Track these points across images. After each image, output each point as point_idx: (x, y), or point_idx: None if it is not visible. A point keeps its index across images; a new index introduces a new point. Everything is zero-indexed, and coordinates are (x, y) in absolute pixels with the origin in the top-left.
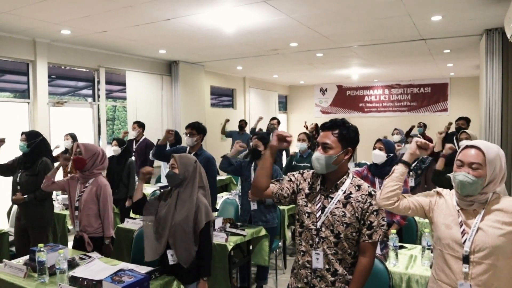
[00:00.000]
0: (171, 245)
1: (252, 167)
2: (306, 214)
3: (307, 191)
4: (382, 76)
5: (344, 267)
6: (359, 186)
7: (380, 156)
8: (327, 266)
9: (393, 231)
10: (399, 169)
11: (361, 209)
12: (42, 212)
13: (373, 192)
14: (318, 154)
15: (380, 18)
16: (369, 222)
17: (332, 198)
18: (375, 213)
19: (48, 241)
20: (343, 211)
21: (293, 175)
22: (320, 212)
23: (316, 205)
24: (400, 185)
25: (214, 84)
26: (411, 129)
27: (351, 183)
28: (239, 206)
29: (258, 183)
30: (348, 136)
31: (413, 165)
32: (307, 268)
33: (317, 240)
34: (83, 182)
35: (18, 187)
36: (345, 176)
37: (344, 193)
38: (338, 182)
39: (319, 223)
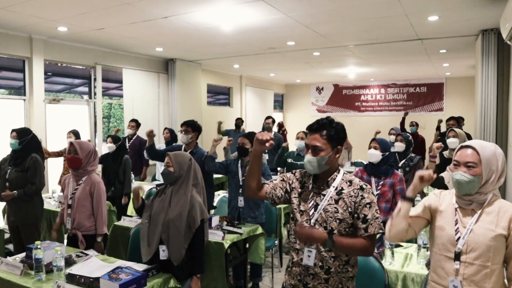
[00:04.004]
0: (164, 240)
1: (239, 164)
2: (300, 213)
3: (299, 190)
4: (379, 76)
5: (338, 264)
6: (350, 182)
7: (375, 155)
8: (320, 264)
9: None
10: (405, 207)
11: (353, 203)
12: (31, 209)
13: (364, 186)
14: (309, 157)
15: (377, 17)
16: (363, 215)
17: (324, 195)
18: (368, 206)
19: (39, 238)
20: (335, 207)
21: (285, 175)
22: (313, 210)
23: (309, 203)
24: (407, 222)
25: (211, 82)
26: (403, 119)
27: (342, 179)
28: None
29: (248, 186)
30: (337, 136)
31: (401, 163)
32: (300, 265)
33: None
34: (76, 180)
35: (7, 184)
36: (336, 173)
37: (336, 189)
38: (329, 179)
39: (312, 221)
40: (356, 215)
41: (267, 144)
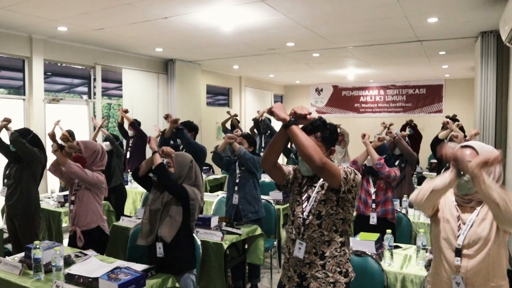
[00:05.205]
0: (161, 236)
1: (237, 163)
2: (297, 202)
3: (299, 180)
4: (378, 77)
5: (334, 248)
6: None
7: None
8: (314, 250)
9: (389, 231)
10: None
11: None
12: (27, 201)
13: (350, 166)
14: None
15: (376, 19)
16: None
17: (315, 186)
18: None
19: (37, 236)
20: (321, 192)
21: (288, 166)
22: (306, 202)
23: (303, 195)
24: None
25: (210, 83)
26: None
27: None
28: (226, 201)
29: (266, 159)
30: (331, 138)
31: (397, 162)
32: (296, 257)
33: (303, 228)
34: None
35: (5, 180)
36: None
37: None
38: None
39: (306, 213)
40: None
41: (308, 117)
